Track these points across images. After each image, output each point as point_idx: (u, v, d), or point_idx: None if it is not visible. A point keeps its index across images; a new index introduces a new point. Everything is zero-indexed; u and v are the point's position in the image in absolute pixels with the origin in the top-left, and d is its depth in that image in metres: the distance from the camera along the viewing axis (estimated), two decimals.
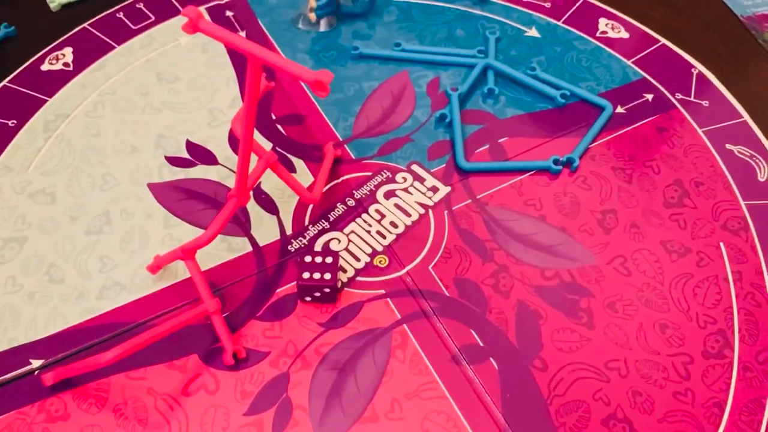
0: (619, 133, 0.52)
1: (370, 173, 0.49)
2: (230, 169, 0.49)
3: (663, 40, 0.60)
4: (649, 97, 0.55)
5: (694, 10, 0.64)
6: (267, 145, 0.51)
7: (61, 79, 0.55)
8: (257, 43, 0.30)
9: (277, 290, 0.42)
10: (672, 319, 0.42)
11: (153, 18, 0.61)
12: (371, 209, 0.47)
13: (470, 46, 0.59)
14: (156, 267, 0.42)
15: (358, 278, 0.43)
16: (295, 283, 0.42)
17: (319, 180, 0.46)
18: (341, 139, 0.51)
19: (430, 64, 0.57)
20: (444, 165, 0.50)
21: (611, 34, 0.61)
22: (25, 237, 0.45)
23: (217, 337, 0.40)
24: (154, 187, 0.48)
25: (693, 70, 0.58)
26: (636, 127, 0.53)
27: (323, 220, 0.46)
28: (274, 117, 0.53)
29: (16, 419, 0.37)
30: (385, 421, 0.37)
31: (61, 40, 0.59)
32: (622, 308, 0.42)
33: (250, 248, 0.44)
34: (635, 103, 0.55)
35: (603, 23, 0.62)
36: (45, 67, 0.56)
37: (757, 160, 0.51)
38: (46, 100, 0.54)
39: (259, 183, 0.48)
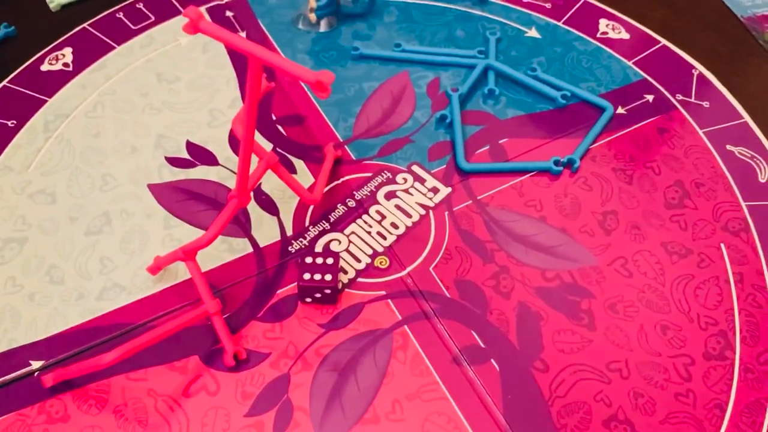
0: (620, 134, 0.52)
1: (370, 174, 0.49)
2: (230, 170, 0.49)
3: (663, 41, 0.60)
4: (650, 97, 0.55)
5: (694, 11, 0.64)
6: (267, 146, 0.51)
7: (60, 79, 0.55)
8: (257, 44, 0.30)
9: (278, 291, 0.42)
10: (673, 320, 0.42)
11: (153, 18, 0.61)
12: (372, 210, 0.47)
13: (470, 46, 0.59)
14: (156, 268, 0.42)
15: (359, 279, 0.43)
16: (295, 284, 0.42)
17: (319, 181, 0.46)
18: (341, 140, 0.51)
19: (430, 64, 0.57)
20: (444, 166, 0.50)
21: (612, 35, 0.61)
22: (26, 237, 0.45)
23: (217, 338, 0.39)
24: (154, 188, 0.48)
25: (693, 70, 0.58)
26: (637, 128, 0.53)
27: (324, 221, 0.46)
28: (274, 117, 0.53)
29: (16, 420, 0.37)
30: (386, 423, 0.37)
31: (60, 40, 0.59)
32: (623, 309, 0.42)
33: (250, 249, 0.44)
34: (636, 104, 0.55)
35: (603, 24, 0.62)
36: (45, 67, 0.56)
37: (758, 161, 0.51)
38: (45, 101, 0.54)
39: (260, 184, 0.48)
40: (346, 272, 0.43)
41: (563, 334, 0.41)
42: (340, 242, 0.45)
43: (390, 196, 0.48)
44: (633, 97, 0.55)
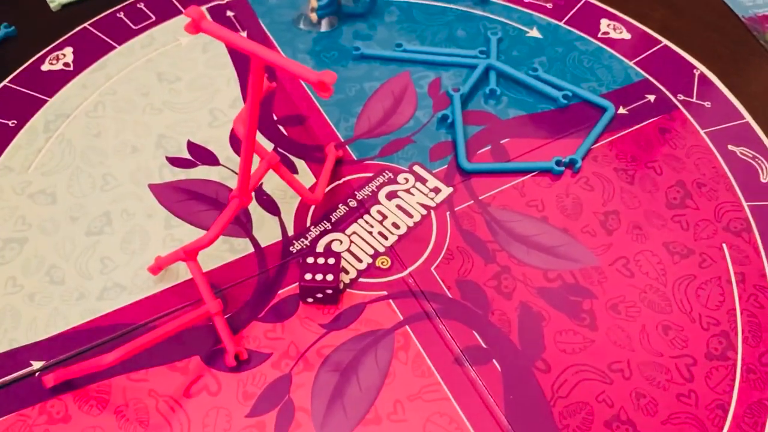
0: (622, 134, 0.52)
1: (371, 174, 0.49)
2: (231, 170, 0.49)
3: (664, 41, 0.60)
4: (651, 98, 0.55)
5: (695, 11, 0.64)
6: (268, 146, 0.51)
7: (61, 79, 0.55)
8: (259, 44, 0.30)
9: (279, 291, 0.42)
10: (675, 320, 0.42)
11: (153, 18, 0.61)
12: (373, 210, 0.47)
13: (471, 46, 0.59)
14: (157, 268, 0.42)
15: (360, 279, 0.43)
16: (296, 284, 0.42)
17: (321, 181, 0.46)
18: (343, 140, 0.51)
19: (431, 64, 0.57)
20: (446, 166, 0.49)
21: (613, 35, 0.61)
22: (26, 237, 0.45)
23: (218, 338, 0.39)
24: (155, 188, 0.48)
25: (695, 71, 0.58)
26: (638, 128, 0.53)
27: (325, 221, 0.46)
28: (275, 117, 0.53)
29: (17, 421, 0.37)
30: (388, 423, 0.37)
31: (61, 40, 0.59)
32: (624, 310, 0.42)
33: (251, 249, 0.44)
34: (637, 104, 0.55)
35: (605, 24, 0.62)
36: (45, 67, 0.56)
37: (760, 162, 0.51)
38: (46, 100, 0.53)
39: (261, 184, 0.48)
40: (347, 272, 0.43)
41: (565, 334, 0.41)
42: (341, 242, 0.45)
43: (391, 196, 0.47)
44: (634, 97, 0.55)
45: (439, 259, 0.44)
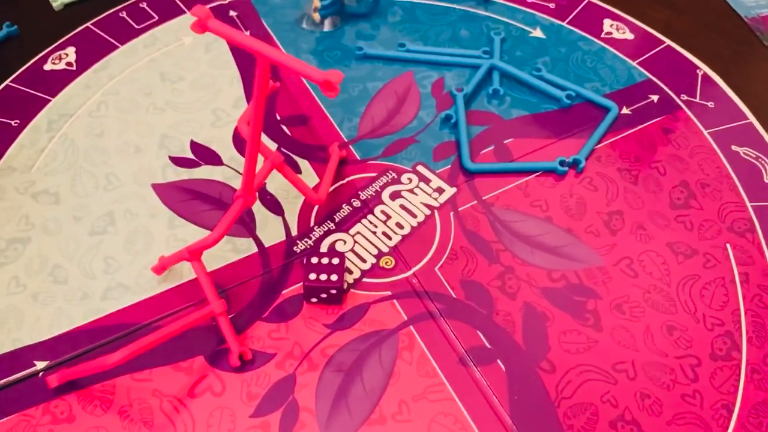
0: (625, 134, 0.52)
1: (375, 174, 0.49)
2: (235, 170, 0.49)
3: (668, 41, 0.60)
4: (655, 98, 0.55)
5: (698, 12, 0.64)
6: (272, 146, 0.51)
7: (64, 78, 0.55)
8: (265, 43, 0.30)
9: (283, 291, 0.42)
10: (679, 320, 0.42)
11: (156, 18, 0.61)
12: (377, 210, 0.47)
13: (474, 46, 0.59)
14: (161, 268, 0.42)
15: (364, 280, 0.43)
16: (300, 284, 0.42)
17: (324, 181, 0.46)
18: (346, 140, 0.51)
19: (434, 64, 0.57)
20: (449, 166, 0.49)
21: (616, 35, 0.61)
22: (29, 237, 0.45)
23: (222, 338, 0.39)
24: (158, 188, 0.48)
25: (698, 71, 0.58)
26: (642, 128, 0.53)
27: (329, 221, 0.46)
28: (278, 117, 0.53)
29: (20, 421, 0.37)
30: (393, 423, 0.37)
31: (64, 39, 0.59)
32: (629, 310, 0.42)
33: (255, 249, 0.44)
34: (641, 104, 0.55)
35: (608, 24, 0.62)
36: (48, 66, 0.56)
37: (763, 162, 0.51)
38: (49, 100, 0.53)
39: (264, 184, 0.48)
40: (351, 272, 0.43)
41: (569, 334, 0.41)
42: (345, 242, 0.45)
43: (395, 196, 0.47)
44: (638, 98, 0.55)
45: (443, 260, 0.44)
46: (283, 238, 0.45)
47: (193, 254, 0.40)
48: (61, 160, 0.49)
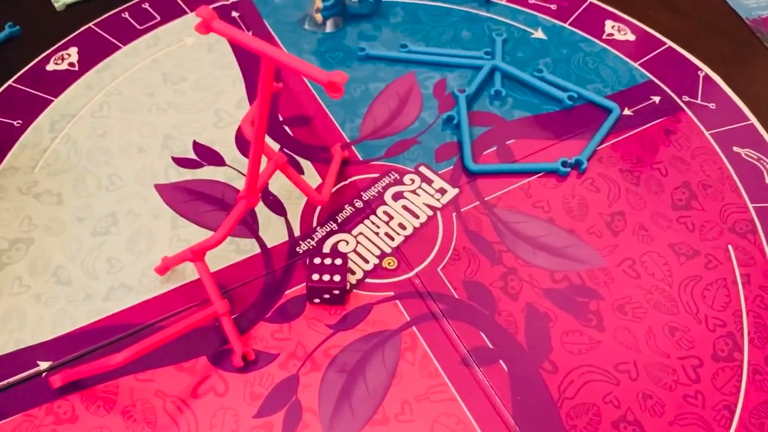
0: (627, 135, 0.52)
1: (377, 175, 0.49)
2: (237, 171, 0.49)
3: (669, 43, 0.60)
4: (656, 99, 0.55)
5: (699, 13, 0.64)
6: (274, 147, 0.51)
7: (66, 79, 0.55)
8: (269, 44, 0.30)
9: (286, 292, 0.42)
10: (681, 321, 0.42)
11: (158, 18, 0.61)
12: (379, 211, 0.47)
13: (476, 47, 0.59)
14: (164, 268, 0.42)
15: (367, 280, 0.43)
16: (303, 284, 0.42)
17: (327, 181, 0.46)
18: (348, 141, 0.51)
19: (436, 65, 0.57)
20: (452, 167, 0.50)
21: (617, 37, 0.61)
22: (32, 238, 0.45)
23: (226, 339, 0.39)
24: (161, 188, 0.48)
25: (699, 72, 0.58)
26: (643, 129, 0.53)
27: (331, 222, 0.46)
28: (281, 118, 0.53)
29: (23, 421, 0.37)
30: (395, 424, 0.37)
31: (66, 39, 0.59)
32: (631, 311, 0.42)
33: (258, 250, 0.44)
34: (642, 105, 0.55)
35: (609, 25, 0.62)
36: (50, 67, 0.56)
37: (765, 163, 0.51)
38: (51, 100, 0.53)
39: (267, 184, 0.48)
40: (353, 273, 0.43)
41: (572, 335, 0.41)
42: (347, 243, 0.45)
43: (397, 196, 0.48)
44: (639, 99, 0.55)
45: (446, 260, 0.44)
46: (286, 238, 0.45)
47: (197, 255, 0.40)
48: (63, 161, 0.49)
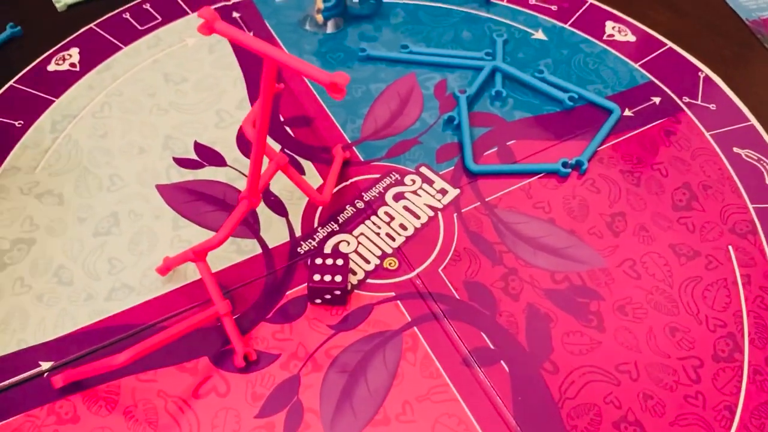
0: (627, 136, 0.52)
1: (378, 175, 0.49)
2: (239, 171, 0.49)
3: (669, 44, 0.60)
4: (657, 100, 0.55)
5: (699, 14, 0.64)
6: (275, 147, 0.51)
7: (67, 79, 0.55)
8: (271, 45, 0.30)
9: (287, 292, 0.42)
10: (682, 322, 0.42)
11: (160, 19, 0.61)
12: (380, 211, 0.47)
13: (477, 48, 0.59)
14: (166, 269, 0.42)
15: (368, 281, 0.43)
16: (304, 285, 0.42)
17: (328, 182, 0.46)
18: (349, 141, 0.51)
19: (437, 66, 0.57)
20: (452, 167, 0.50)
21: (618, 37, 0.61)
22: (33, 238, 0.45)
23: (227, 339, 0.39)
24: (162, 189, 0.48)
25: (700, 73, 0.58)
26: (644, 130, 0.53)
27: (332, 222, 0.46)
28: (282, 119, 0.53)
29: (25, 422, 0.37)
30: (397, 424, 0.37)
31: (67, 40, 0.59)
32: (631, 311, 0.42)
33: (259, 250, 0.44)
34: (643, 106, 0.55)
35: (609, 26, 0.62)
36: (51, 67, 0.56)
37: (765, 164, 0.51)
38: (53, 101, 0.53)
39: (268, 185, 0.48)
40: (355, 273, 0.43)
41: (572, 335, 0.41)
42: (348, 243, 0.45)
43: (398, 197, 0.48)
44: (640, 99, 0.55)
45: (447, 261, 0.44)
46: (287, 239, 0.45)
47: (198, 255, 0.40)
48: (65, 161, 0.49)
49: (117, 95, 0.54)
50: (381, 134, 0.52)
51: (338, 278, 0.40)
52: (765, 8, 0.65)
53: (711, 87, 0.57)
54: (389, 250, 0.45)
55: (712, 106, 0.55)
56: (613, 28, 0.62)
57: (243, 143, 0.51)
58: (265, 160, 0.42)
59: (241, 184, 0.48)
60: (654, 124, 0.53)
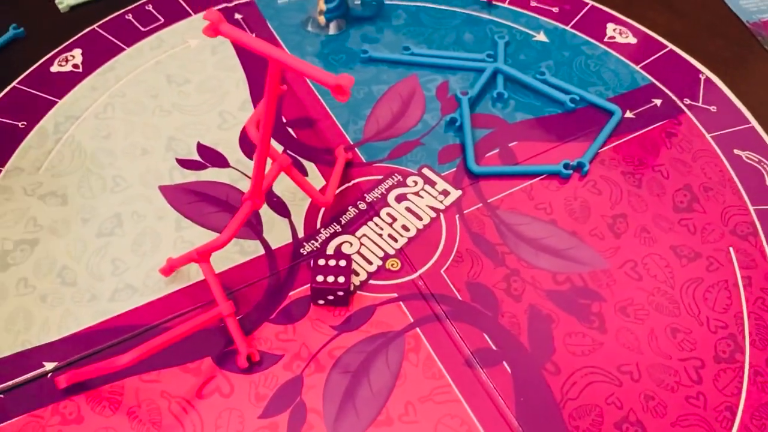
0: (629, 137, 0.53)
1: (381, 177, 0.49)
2: (241, 172, 0.49)
3: (670, 46, 0.61)
4: (658, 102, 0.56)
5: (700, 16, 0.65)
6: (278, 149, 0.51)
7: (70, 80, 0.55)
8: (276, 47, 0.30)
9: (290, 293, 0.42)
10: (683, 323, 0.42)
11: (162, 20, 0.61)
12: (383, 212, 0.47)
13: (478, 50, 0.59)
14: (169, 269, 0.42)
15: (371, 281, 0.43)
16: (307, 286, 0.43)
17: (331, 183, 0.46)
18: (352, 143, 0.51)
19: (439, 68, 0.58)
20: (454, 169, 0.50)
21: (619, 39, 0.61)
22: (37, 239, 0.45)
23: (230, 339, 0.40)
24: (165, 190, 0.48)
25: (701, 75, 0.58)
26: (645, 131, 0.53)
27: (335, 224, 0.46)
28: (284, 120, 0.53)
29: (29, 422, 0.37)
30: (400, 425, 0.37)
31: (70, 41, 0.59)
32: (633, 312, 0.42)
33: (262, 251, 0.44)
34: (644, 108, 0.55)
35: (611, 28, 0.62)
36: (54, 68, 0.56)
37: (765, 166, 0.51)
38: (55, 102, 0.54)
39: (271, 186, 0.48)
40: (357, 274, 0.43)
41: (574, 336, 0.41)
42: (351, 244, 0.45)
43: (401, 198, 0.48)
44: (641, 101, 0.55)
45: (449, 262, 0.44)
46: (290, 240, 0.45)
47: (202, 256, 0.40)
48: (68, 162, 0.50)
49: (120, 96, 0.54)
50: (383, 135, 0.52)
51: (341, 279, 0.40)
52: (765, 10, 0.65)
53: (712, 89, 0.57)
54: (391, 251, 0.45)
55: (713, 108, 0.55)
56: (614, 30, 0.62)
57: (246, 144, 0.51)
58: (268, 162, 0.42)
59: (244, 185, 0.48)
60: (655, 125, 0.54)
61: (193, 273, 0.43)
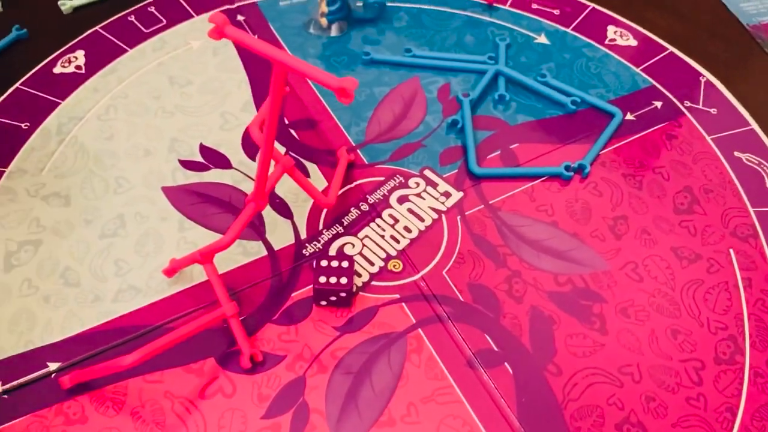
0: (629, 139, 0.53)
1: (383, 178, 0.49)
2: (244, 173, 0.49)
3: (671, 48, 0.61)
4: (658, 104, 0.56)
5: (700, 19, 0.65)
6: (281, 150, 0.51)
7: (73, 82, 0.56)
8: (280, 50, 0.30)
9: (293, 294, 0.43)
10: (683, 324, 0.42)
11: (164, 22, 0.61)
12: (385, 214, 0.47)
13: (479, 52, 0.59)
14: (172, 270, 0.43)
15: (373, 283, 0.43)
16: (309, 287, 0.43)
17: (333, 184, 0.47)
18: (354, 144, 0.52)
19: (440, 69, 0.58)
20: (456, 170, 0.50)
21: (620, 42, 0.61)
22: (40, 240, 0.45)
23: (233, 340, 0.40)
24: (168, 191, 0.48)
25: (701, 77, 0.58)
26: (645, 134, 0.53)
27: (337, 225, 0.46)
28: (287, 122, 0.53)
29: (34, 422, 0.37)
30: (402, 426, 0.37)
31: (73, 42, 0.59)
32: (634, 314, 0.43)
33: (265, 252, 0.45)
34: (644, 110, 0.55)
35: (611, 31, 0.62)
36: (57, 69, 0.57)
37: (765, 168, 0.51)
38: (58, 103, 0.54)
39: (274, 187, 0.48)
40: (359, 275, 0.44)
41: (576, 338, 0.41)
42: (353, 246, 0.45)
43: (403, 200, 0.48)
44: (641, 104, 0.56)
45: (451, 263, 0.44)
46: (293, 241, 0.45)
47: (205, 257, 0.40)
48: (71, 163, 0.50)
49: (122, 98, 0.54)
50: (385, 137, 0.52)
51: (343, 280, 0.40)
52: (765, 13, 0.65)
53: (712, 91, 0.57)
54: (394, 253, 0.45)
55: (713, 111, 0.56)
56: (615, 32, 0.62)
57: (248, 145, 0.51)
58: (271, 163, 0.42)
59: (247, 186, 0.48)
60: (656, 128, 0.54)
61: (196, 274, 0.43)
